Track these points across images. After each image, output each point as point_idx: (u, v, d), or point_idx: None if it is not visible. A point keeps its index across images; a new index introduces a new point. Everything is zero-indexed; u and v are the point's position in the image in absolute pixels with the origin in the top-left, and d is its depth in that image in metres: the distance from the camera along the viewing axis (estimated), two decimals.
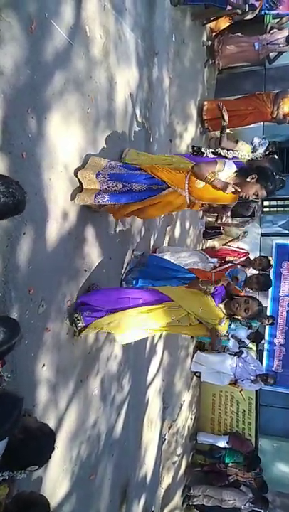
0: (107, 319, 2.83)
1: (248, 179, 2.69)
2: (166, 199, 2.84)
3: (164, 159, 3.19)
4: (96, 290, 2.95)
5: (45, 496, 1.81)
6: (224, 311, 2.96)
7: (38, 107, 2.32)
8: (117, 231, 3.51)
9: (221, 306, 2.97)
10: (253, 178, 2.67)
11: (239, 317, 2.98)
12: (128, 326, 2.87)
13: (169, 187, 2.79)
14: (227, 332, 2.99)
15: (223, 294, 3.00)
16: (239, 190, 2.69)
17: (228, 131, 6.23)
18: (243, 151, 3.66)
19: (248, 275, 4.37)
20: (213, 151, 3.79)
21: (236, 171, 2.75)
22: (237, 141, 3.90)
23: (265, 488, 6.08)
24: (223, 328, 2.90)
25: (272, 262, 4.79)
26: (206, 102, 5.92)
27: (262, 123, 6.20)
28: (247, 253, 5.42)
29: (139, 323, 2.89)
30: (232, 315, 2.99)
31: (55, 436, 1.94)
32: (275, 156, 4.46)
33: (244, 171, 2.76)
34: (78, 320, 2.78)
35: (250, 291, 4.29)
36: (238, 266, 4.56)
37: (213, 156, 3.68)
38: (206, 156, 3.75)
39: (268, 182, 2.70)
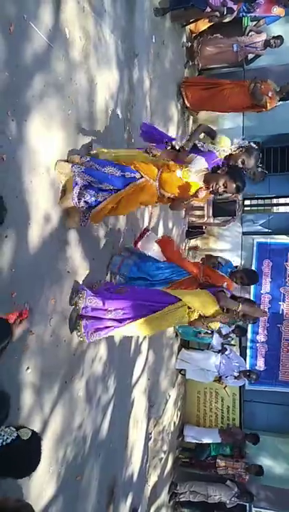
0: (118, 332, 3.12)
1: (219, 171, 2.84)
2: (138, 190, 2.87)
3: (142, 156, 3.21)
4: (101, 307, 2.98)
5: (30, 505, 1.70)
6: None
7: (18, 110, 2.31)
8: (100, 232, 3.52)
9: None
10: (223, 171, 2.82)
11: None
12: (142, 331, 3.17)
13: (142, 177, 2.84)
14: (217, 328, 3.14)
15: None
16: (209, 186, 2.84)
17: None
18: (223, 145, 3.72)
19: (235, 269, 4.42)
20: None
21: (207, 169, 2.90)
22: (213, 137, 3.93)
23: (261, 471, 6.20)
24: (216, 324, 3.10)
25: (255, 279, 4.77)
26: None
27: (241, 124, 6.30)
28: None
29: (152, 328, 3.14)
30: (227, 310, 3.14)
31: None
32: (253, 145, 4.53)
33: (216, 168, 2.91)
34: (79, 327, 2.96)
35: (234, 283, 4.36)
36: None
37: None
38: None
39: (236, 177, 2.83)
